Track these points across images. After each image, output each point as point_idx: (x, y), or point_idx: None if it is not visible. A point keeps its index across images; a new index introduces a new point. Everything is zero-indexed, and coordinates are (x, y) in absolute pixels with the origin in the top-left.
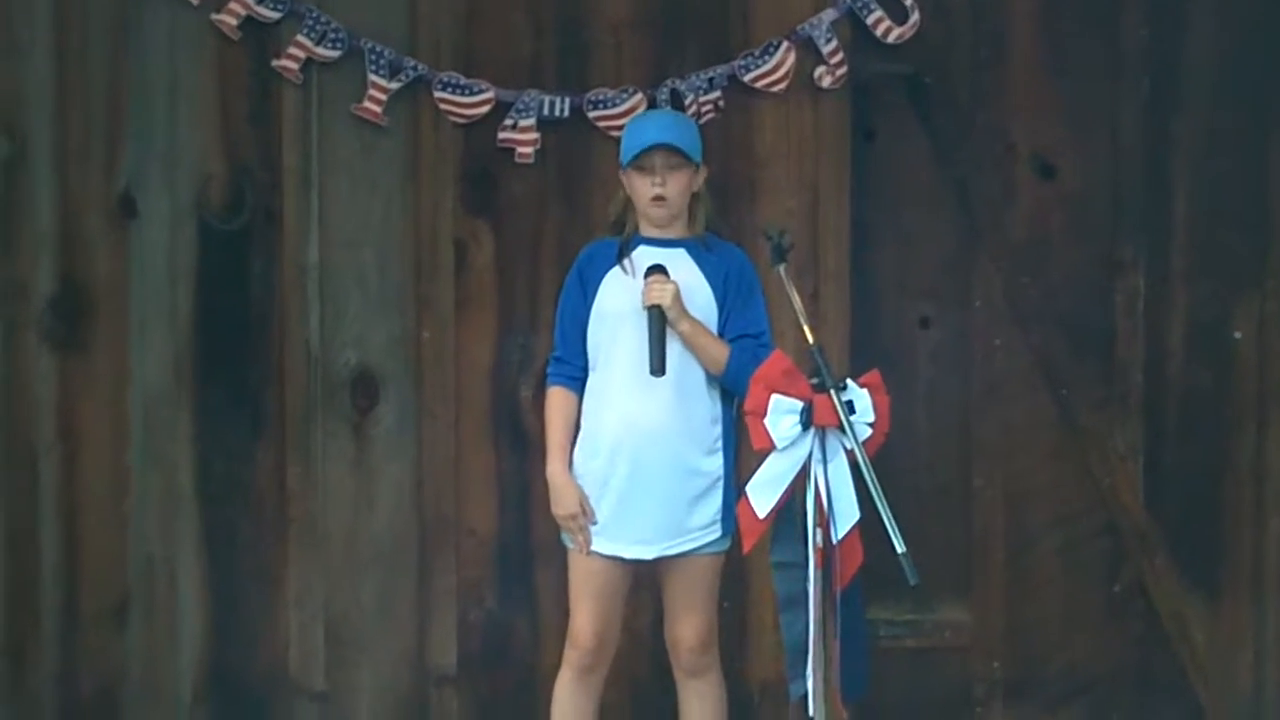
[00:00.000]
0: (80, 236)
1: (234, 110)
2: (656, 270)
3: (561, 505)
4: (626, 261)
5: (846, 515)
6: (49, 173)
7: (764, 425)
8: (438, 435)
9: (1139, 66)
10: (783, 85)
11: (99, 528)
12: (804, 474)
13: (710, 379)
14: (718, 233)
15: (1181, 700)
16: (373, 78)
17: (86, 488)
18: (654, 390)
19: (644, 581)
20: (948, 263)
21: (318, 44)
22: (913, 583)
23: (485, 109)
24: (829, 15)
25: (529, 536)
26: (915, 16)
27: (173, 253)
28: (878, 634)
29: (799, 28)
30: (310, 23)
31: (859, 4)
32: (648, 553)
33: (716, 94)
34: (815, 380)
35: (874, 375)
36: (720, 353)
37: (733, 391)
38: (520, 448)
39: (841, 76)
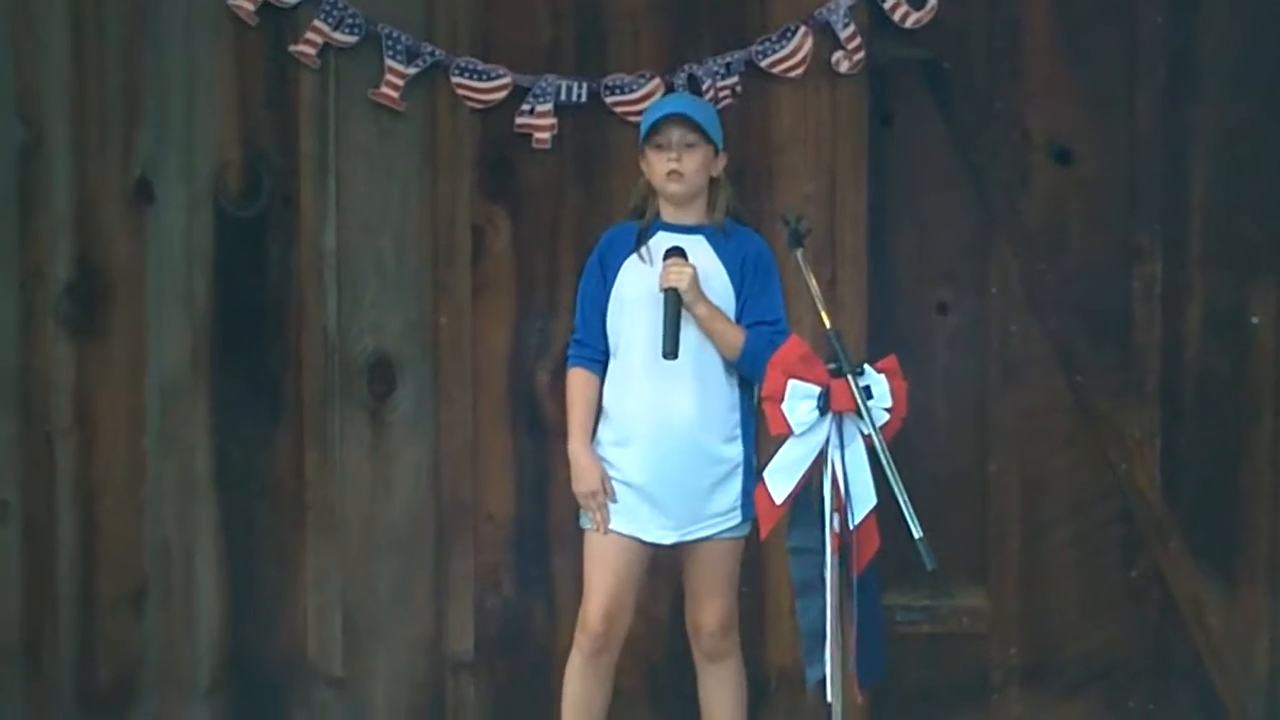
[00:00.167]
0: (97, 223)
1: (251, 96)
2: (675, 253)
3: (582, 482)
4: (644, 249)
5: (863, 501)
6: (66, 159)
7: (781, 411)
8: (455, 421)
9: (1156, 53)
10: (800, 70)
11: (116, 514)
12: (821, 459)
13: (729, 366)
14: (739, 218)
15: (1197, 686)
16: (390, 63)
17: (103, 474)
18: (674, 377)
19: (662, 567)
20: (965, 248)
21: (335, 29)
22: (930, 568)
23: (503, 94)
24: (846, 0)
25: (546, 522)
26: (933, 2)
27: (190, 239)
28: (894, 620)
29: (816, 13)
30: (327, 8)
31: None
32: (668, 537)
33: (734, 79)
34: (833, 365)
35: (891, 360)
36: (736, 338)
37: (748, 377)
38: (538, 433)
39: (859, 62)
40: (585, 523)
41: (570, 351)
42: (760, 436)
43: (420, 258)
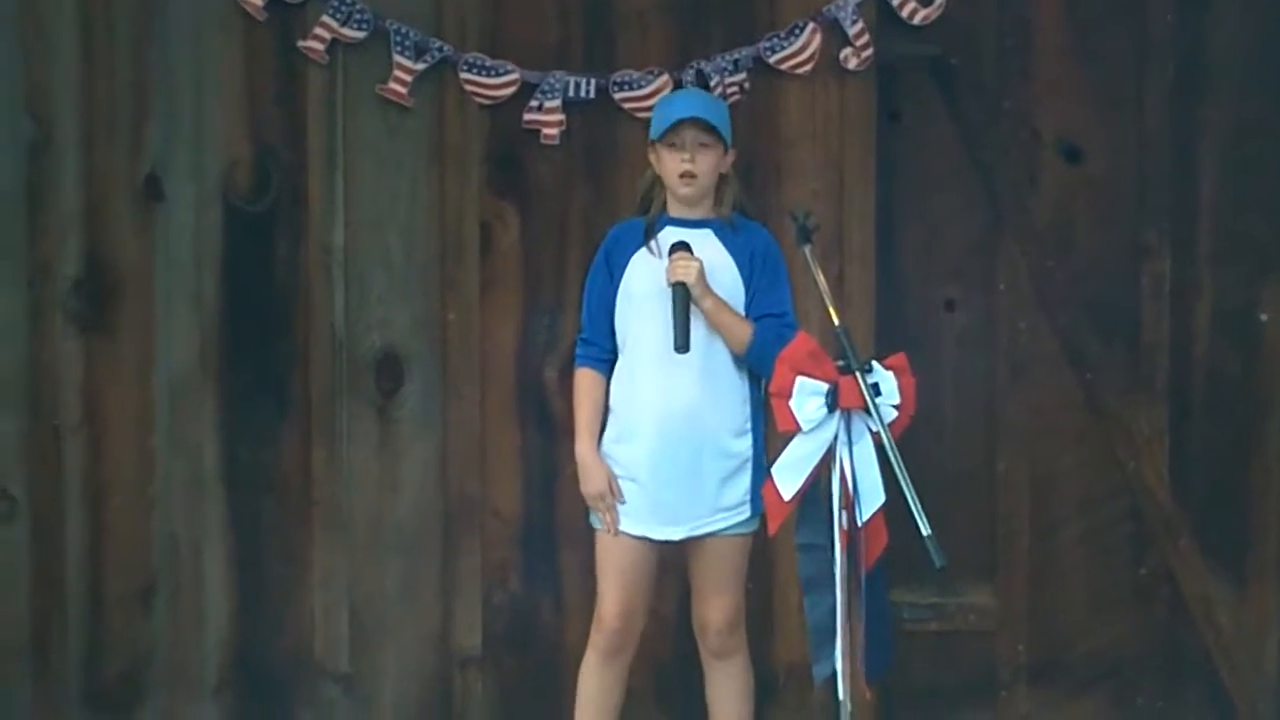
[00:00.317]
0: (106, 219)
1: (259, 92)
2: (680, 247)
3: (590, 484)
4: (653, 243)
5: (872, 498)
6: (75, 156)
7: (789, 407)
8: (463, 417)
9: (1165, 51)
10: (808, 67)
11: (124, 511)
12: (829, 456)
13: (739, 359)
14: (746, 212)
15: (1207, 684)
16: (398, 59)
17: (111, 471)
18: (683, 370)
19: (670, 564)
20: (973, 246)
21: (343, 25)
22: (939, 565)
23: (511, 90)
24: None
25: (554, 518)
26: None
27: (198, 235)
28: (902, 617)
29: (825, 9)
30: (336, 3)
31: None
32: (676, 533)
33: (742, 76)
34: (841, 362)
35: (900, 357)
36: (744, 331)
37: (756, 370)
38: (545, 429)
39: (867, 58)
40: (596, 522)
41: (577, 351)
42: (768, 433)
43: (428, 254)
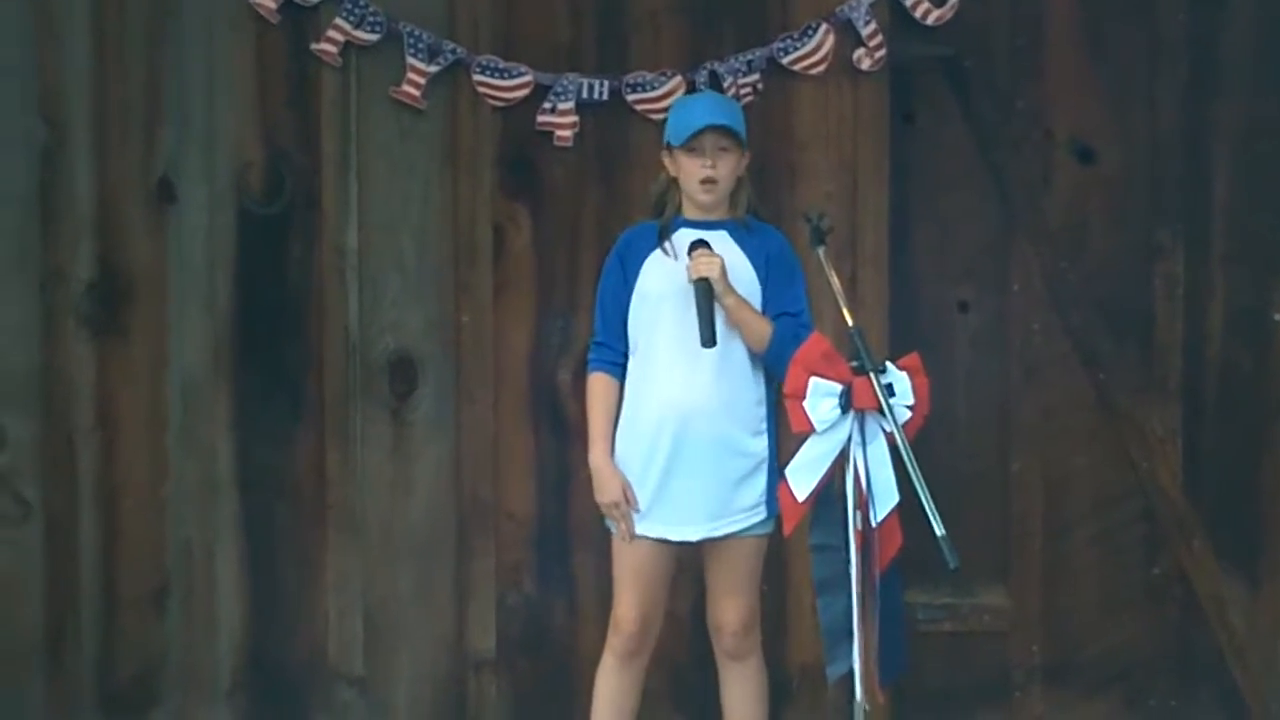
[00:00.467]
0: (119, 222)
1: (272, 94)
2: (700, 245)
3: (604, 493)
4: (668, 244)
5: (886, 498)
6: (88, 159)
7: (803, 408)
8: (476, 419)
9: (1178, 50)
10: (822, 68)
11: (138, 513)
12: (843, 457)
13: (754, 359)
14: (758, 215)
15: (1220, 684)
16: (411, 61)
17: (125, 473)
18: (698, 370)
19: (685, 566)
20: (986, 246)
21: (356, 27)
22: (953, 566)
23: (524, 92)
24: None
25: (568, 520)
26: None
27: (211, 238)
28: (916, 618)
29: (838, 10)
30: (349, 6)
31: None
32: (693, 534)
33: (755, 77)
34: (855, 363)
35: (913, 358)
36: (764, 328)
37: (774, 369)
38: (559, 431)
39: (880, 59)
40: (612, 526)
41: (590, 355)
42: (782, 433)
43: (441, 256)
